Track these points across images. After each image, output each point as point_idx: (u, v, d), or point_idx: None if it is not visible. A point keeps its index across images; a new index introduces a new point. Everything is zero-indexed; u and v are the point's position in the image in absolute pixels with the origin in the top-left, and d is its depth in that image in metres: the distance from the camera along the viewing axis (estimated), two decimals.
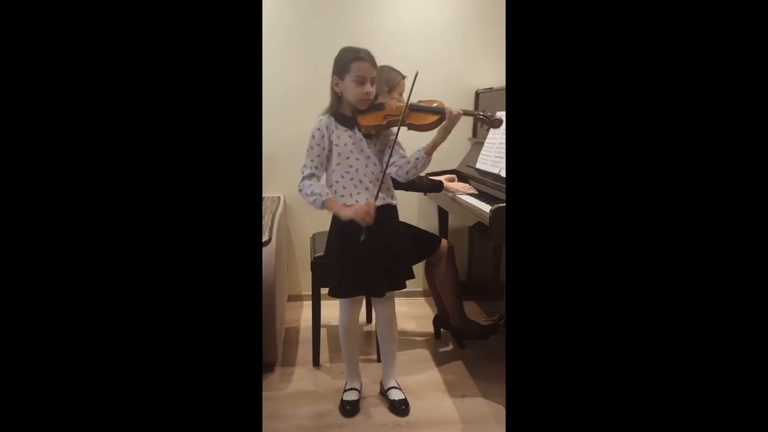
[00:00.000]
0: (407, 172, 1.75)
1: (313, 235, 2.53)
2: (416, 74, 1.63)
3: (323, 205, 1.73)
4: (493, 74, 2.97)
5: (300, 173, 1.76)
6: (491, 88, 2.85)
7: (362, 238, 1.68)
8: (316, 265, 2.22)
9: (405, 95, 1.66)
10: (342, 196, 1.76)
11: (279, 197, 2.81)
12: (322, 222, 2.75)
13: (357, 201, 1.75)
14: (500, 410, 1.91)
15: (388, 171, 1.78)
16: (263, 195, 2.83)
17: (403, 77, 2.07)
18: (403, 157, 1.79)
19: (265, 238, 2.11)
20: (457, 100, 2.72)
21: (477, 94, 2.97)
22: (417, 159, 1.73)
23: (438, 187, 2.35)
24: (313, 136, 1.75)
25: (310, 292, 2.29)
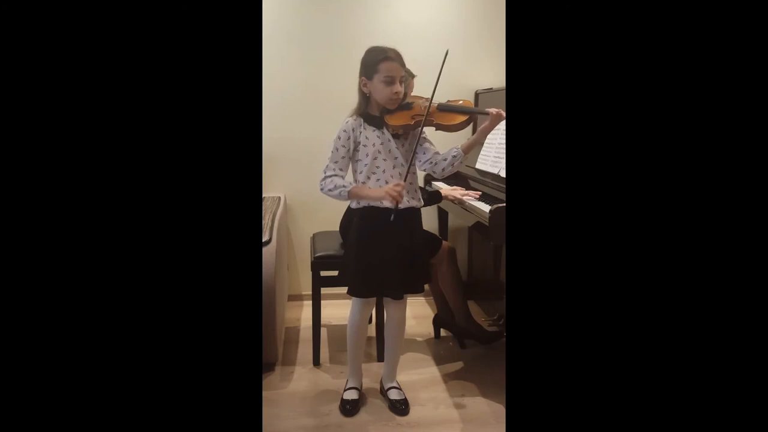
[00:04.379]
0: (443, 169, 1.77)
1: (313, 235, 2.53)
2: (446, 53, 1.62)
3: (350, 195, 1.72)
4: (493, 74, 2.97)
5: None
6: (491, 88, 2.85)
7: (392, 217, 1.66)
8: (316, 264, 2.22)
9: (434, 79, 1.69)
10: None
11: (279, 197, 2.81)
12: (322, 222, 2.76)
13: (382, 202, 1.75)
14: (500, 410, 1.91)
15: (423, 168, 1.80)
16: (264, 195, 2.83)
17: (413, 76, 2.07)
18: (438, 153, 1.80)
19: (265, 238, 2.11)
20: (459, 96, 2.71)
21: (477, 95, 2.97)
22: (454, 156, 1.74)
23: (437, 197, 2.33)
24: (339, 138, 1.75)
25: (310, 292, 2.29)
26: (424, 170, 1.81)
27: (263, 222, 2.26)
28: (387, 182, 1.75)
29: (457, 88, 2.94)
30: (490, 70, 2.98)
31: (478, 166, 2.52)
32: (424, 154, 1.80)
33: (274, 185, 2.93)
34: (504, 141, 2.26)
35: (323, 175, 1.75)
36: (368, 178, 1.75)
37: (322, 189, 1.75)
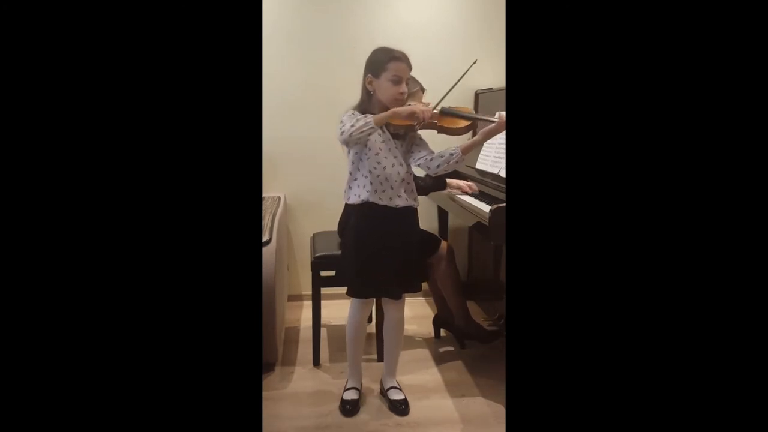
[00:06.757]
0: (438, 165, 1.75)
1: (314, 235, 2.53)
2: (474, 62, 1.67)
3: (375, 122, 1.65)
4: (493, 74, 2.97)
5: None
6: (491, 88, 2.85)
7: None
8: (316, 264, 2.22)
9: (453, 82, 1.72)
10: (368, 191, 1.75)
11: (279, 197, 2.81)
12: (322, 222, 2.76)
13: (381, 199, 1.75)
14: (500, 410, 1.91)
15: (417, 164, 1.79)
16: (264, 195, 2.83)
17: (423, 90, 2.08)
18: (433, 152, 1.80)
19: (265, 238, 2.11)
20: (457, 100, 2.72)
21: (477, 95, 2.97)
22: (452, 155, 1.73)
23: (442, 184, 2.35)
24: (349, 114, 1.71)
25: (310, 292, 2.29)
26: (418, 166, 1.80)
27: (263, 222, 2.26)
28: (387, 179, 1.75)
29: (457, 88, 2.93)
30: (490, 70, 2.97)
31: (478, 166, 2.52)
32: (420, 152, 1.80)
33: (274, 185, 2.93)
34: (504, 141, 2.26)
35: (345, 120, 1.67)
36: (370, 172, 1.75)
37: (352, 127, 1.63)
